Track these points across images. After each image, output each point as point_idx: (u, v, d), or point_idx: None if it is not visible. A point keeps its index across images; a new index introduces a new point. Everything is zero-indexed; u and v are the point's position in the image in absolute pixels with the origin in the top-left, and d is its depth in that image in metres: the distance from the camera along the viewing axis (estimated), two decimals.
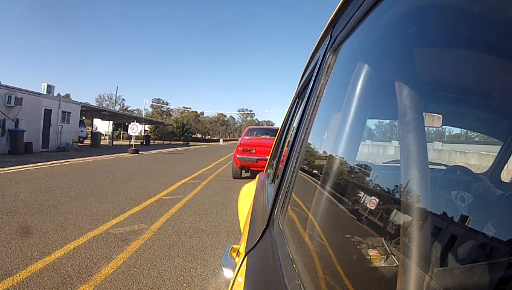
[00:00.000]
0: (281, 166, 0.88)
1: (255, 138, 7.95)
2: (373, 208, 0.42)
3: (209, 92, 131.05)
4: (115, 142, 24.02)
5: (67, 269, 2.29)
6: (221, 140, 57.95)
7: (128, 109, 59.86)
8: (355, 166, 0.57)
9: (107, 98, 58.62)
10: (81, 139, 20.01)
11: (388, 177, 0.55)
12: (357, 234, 0.45)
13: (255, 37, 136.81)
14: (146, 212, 4.03)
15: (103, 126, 31.94)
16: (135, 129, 16.16)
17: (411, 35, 0.43)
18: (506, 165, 0.79)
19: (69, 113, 14.62)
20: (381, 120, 1.03)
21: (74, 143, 14.75)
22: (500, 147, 0.82)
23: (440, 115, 0.64)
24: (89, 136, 23.19)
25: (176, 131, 46.45)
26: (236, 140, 24.33)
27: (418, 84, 0.43)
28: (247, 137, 8.08)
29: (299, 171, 0.69)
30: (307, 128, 0.68)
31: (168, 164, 10.81)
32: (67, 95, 36.04)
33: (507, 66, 0.28)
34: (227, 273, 0.74)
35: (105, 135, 28.21)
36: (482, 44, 0.33)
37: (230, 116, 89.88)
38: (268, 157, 2.49)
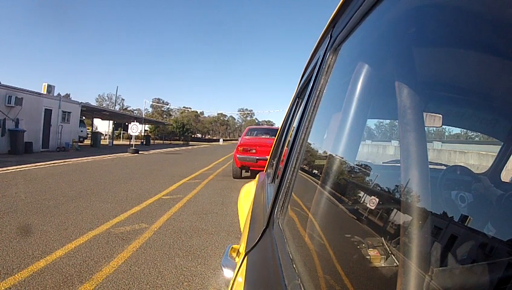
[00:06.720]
0: (281, 166, 0.88)
1: (255, 138, 7.95)
2: (373, 208, 0.42)
3: (209, 92, 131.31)
4: (115, 142, 24.03)
5: (69, 268, 2.29)
6: (221, 140, 57.96)
7: (128, 108, 59.90)
8: (355, 166, 0.57)
9: (107, 98, 58.78)
10: (81, 139, 20.01)
11: (388, 177, 0.55)
12: (357, 234, 0.45)
13: (255, 36, 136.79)
14: (146, 212, 4.03)
15: (103, 126, 31.96)
16: (135, 129, 16.16)
17: (411, 35, 0.43)
18: (506, 165, 0.79)
19: (69, 113, 14.63)
20: (381, 120, 1.03)
21: (74, 143, 14.77)
22: (500, 147, 0.82)
23: (440, 115, 0.64)
24: (89, 136, 23.21)
25: (176, 131, 46.47)
26: (236, 140, 24.33)
27: (418, 84, 0.43)
28: (247, 137, 8.08)
29: (299, 171, 0.69)
30: (307, 128, 0.68)
31: (168, 164, 10.81)
32: (67, 95, 36.06)
33: (507, 66, 0.28)
34: (227, 273, 0.74)
35: (106, 135, 28.25)
36: (482, 44, 0.33)
37: (230, 116, 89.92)
38: (268, 157, 2.49)
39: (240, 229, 1.50)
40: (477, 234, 0.32)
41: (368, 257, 0.39)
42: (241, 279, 0.59)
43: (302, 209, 0.66)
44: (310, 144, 0.71)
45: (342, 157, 0.54)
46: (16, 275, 2.13)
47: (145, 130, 33.94)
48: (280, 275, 0.46)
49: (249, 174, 7.68)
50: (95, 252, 2.63)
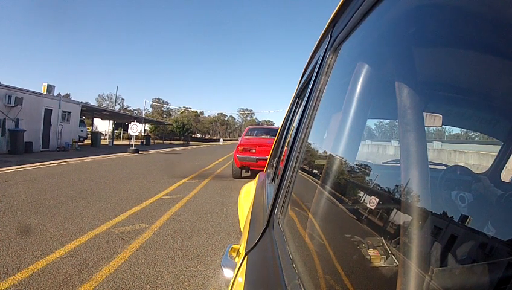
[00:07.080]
0: (281, 166, 0.88)
1: (255, 138, 7.95)
2: (373, 208, 0.42)
3: (209, 92, 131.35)
4: (115, 142, 24.02)
5: (69, 268, 2.29)
6: (221, 140, 57.99)
7: (128, 108, 59.91)
8: (355, 166, 0.57)
9: (107, 97, 58.82)
10: (81, 139, 20.00)
11: (388, 177, 0.55)
12: (357, 234, 0.45)
13: (255, 36, 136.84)
14: (146, 212, 4.03)
15: (103, 126, 31.96)
16: (135, 129, 16.15)
17: (411, 35, 0.43)
18: (506, 165, 0.79)
19: (69, 113, 14.63)
20: (381, 120, 1.03)
21: (74, 143, 14.77)
22: (500, 147, 0.82)
23: (440, 115, 0.64)
24: (89, 135, 23.21)
25: (176, 131, 46.49)
26: (236, 140, 24.36)
27: (418, 84, 0.43)
28: (247, 137, 8.08)
29: (299, 171, 0.69)
30: (307, 128, 0.68)
31: (168, 164, 10.81)
32: (67, 95, 36.09)
33: (507, 66, 0.28)
34: (227, 273, 0.74)
35: (106, 135, 28.24)
36: (482, 44, 0.33)
37: (230, 116, 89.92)
38: (268, 157, 2.49)
39: (239, 229, 1.50)
40: (477, 234, 0.32)
41: (368, 257, 0.39)
42: (241, 279, 0.59)
43: (302, 209, 0.66)
44: (310, 144, 0.71)
45: (342, 157, 0.54)
46: (16, 275, 2.13)
47: (145, 130, 33.98)
48: (280, 275, 0.46)
49: (249, 174, 7.67)
50: (95, 252, 2.63)
